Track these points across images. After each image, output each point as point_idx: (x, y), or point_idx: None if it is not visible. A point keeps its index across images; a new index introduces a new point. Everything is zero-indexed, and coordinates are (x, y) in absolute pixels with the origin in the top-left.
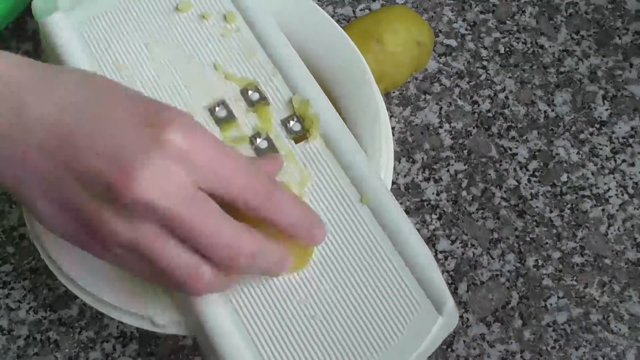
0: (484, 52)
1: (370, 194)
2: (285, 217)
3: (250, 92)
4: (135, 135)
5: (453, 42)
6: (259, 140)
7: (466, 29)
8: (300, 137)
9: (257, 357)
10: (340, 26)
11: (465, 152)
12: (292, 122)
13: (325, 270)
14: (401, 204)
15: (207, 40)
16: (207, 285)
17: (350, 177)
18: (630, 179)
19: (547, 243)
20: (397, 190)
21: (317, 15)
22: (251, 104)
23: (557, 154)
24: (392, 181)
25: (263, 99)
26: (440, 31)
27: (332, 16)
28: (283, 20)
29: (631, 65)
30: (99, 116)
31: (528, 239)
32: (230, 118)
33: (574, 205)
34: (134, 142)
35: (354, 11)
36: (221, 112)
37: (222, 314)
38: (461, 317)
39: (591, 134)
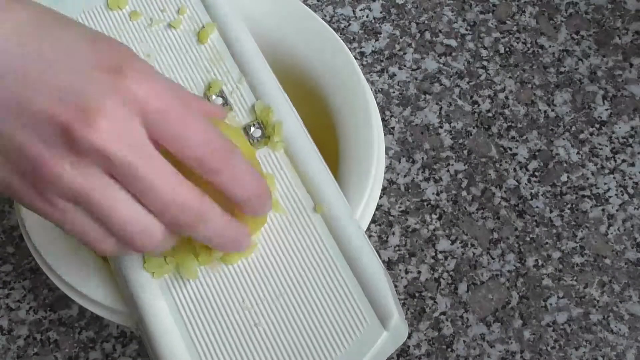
0: (484, 52)
1: (324, 203)
2: (241, 188)
3: (213, 97)
4: (94, 78)
5: (453, 42)
6: None
7: (466, 29)
8: (260, 143)
9: (195, 357)
10: (341, 26)
11: (465, 152)
12: (253, 128)
13: (272, 278)
14: (401, 204)
15: (178, 44)
16: (157, 244)
17: (307, 185)
18: (630, 179)
19: (547, 243)
20: (397, 190)
21: (306, 15)
22: None
23: (557, 154)
24: (392, 181)
25: (226, 104)
26: (440, 31)
27: (332, 16)
28: (271, 22)
29: (631, 65)
30: (54, 53)
31: (528, 239)
32: None
33: (574, 205)
34: (93, 85)
35: (354, 11)
36: None
37: (163, 310)
38: (461, 317)
39: (591, 134)
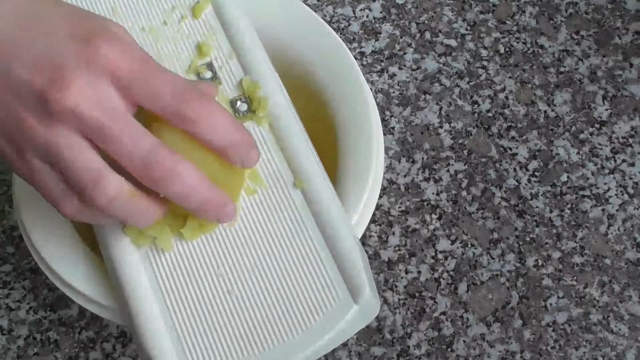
0: (484, 52)
1: (304, 179)
2: (222, 135)
3: (204, 67)
4: (68, 47)
5: (453, 42)
6: None
7: (466, 29)
8: (245, 117)
9: (168, 322)
10: (341, 26)
11: (465, 152)
12: (239, 103)
13: (248, 249)
14: (401, 204)
15: (172, 18)
16: (110, 196)
17: (288, 160)
18: (630, 179)
19: (547, 243)
20: (397, 190)
21: (306, 15)
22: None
23: (557, 154)
24: (392, 181)
25: (215, 77)
26: (440, 31)
27: (332, 16)
28: (271, 21)
29: (631, 65)
30: (36, 28)
31: (528, 239)
32: None
33: (574, 205)
34: (67, 53)
35: (354, 11)
36: None
37: (141, 275)
38: (461, 317)
39: (591, 134)
